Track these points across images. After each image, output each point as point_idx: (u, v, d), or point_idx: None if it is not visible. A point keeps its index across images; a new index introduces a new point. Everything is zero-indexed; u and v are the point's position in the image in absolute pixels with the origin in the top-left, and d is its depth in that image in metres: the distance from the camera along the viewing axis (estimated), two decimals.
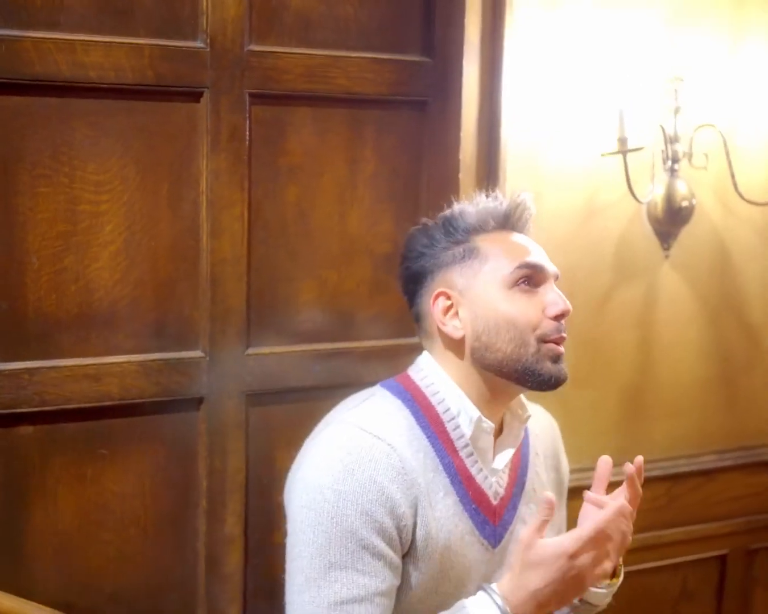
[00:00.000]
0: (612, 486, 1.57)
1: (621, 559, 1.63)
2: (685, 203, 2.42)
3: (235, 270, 1.87)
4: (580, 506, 1.56)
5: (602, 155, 2.27)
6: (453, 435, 1.54)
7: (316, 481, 1.45)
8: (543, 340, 1.51)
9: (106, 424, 1.83)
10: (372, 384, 1.72)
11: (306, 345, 1.97)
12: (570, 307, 1.53)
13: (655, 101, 2.37)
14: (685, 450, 2.64)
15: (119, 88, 1.73)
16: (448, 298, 1.55)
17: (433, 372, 1.59)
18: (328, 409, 1.70)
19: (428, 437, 1.53)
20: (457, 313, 1.55)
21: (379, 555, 1.43)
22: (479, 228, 1.57)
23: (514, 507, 1.63)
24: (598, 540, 1.39)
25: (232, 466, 1.93)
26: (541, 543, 1.38)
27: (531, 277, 1.52)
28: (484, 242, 1.55)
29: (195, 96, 1.79)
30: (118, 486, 1.86)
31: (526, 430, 1.68)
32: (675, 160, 2.40)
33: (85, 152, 1.73)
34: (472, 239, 1.56)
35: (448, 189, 2.02)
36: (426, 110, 1.98)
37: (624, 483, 1.53)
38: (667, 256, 2.50)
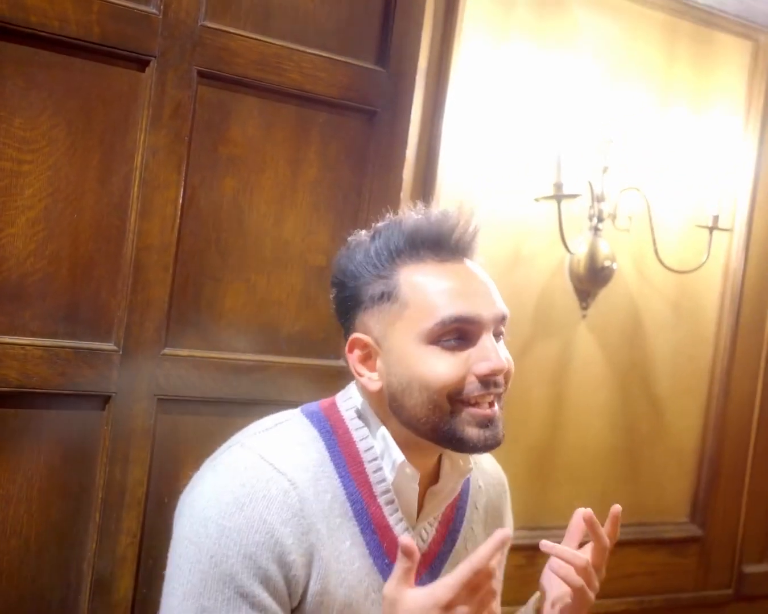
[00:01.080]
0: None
1: None
2: (607, 263, 2.42)
3: (162, 258, 1.71)
4: None
5: (536, 200, 2.25)
6: (372, 477, 1.34)
7: (202, 512, 1.25)
8: (462, 402, 1.27)
9: None
10: (292, 405, 1.58)
11: (227, 352, 1.82)
12: (505, 363, 1.28)
13: (586, 157, 2.39)
14: None
15: (60, 40, 1.58)
16: (365, 346, 1.33)
17: (361, 405, 1.38)
18: (241, 428, 1.55)
19: (341, 477, 1.33)
20: (375, 363, 1.33)
21: (259, 607, 1.22)
22: (406, 255, 1.30)
23: (439, 567, 1.42)
24: (475, 584, 1.18)
25: (132, 478, 1.74)
26: (411, 597, 1.18)
27: (459, 331, 1.27)
28: (407, 279, 1.29)
29: (141, 63, 1.66)
30: (3, 488, 1.64)
31: (467, 480, 1.49)
32: (600, 219, 2.40)
33: (13, 104, 1.57)
34: (395, 273, 1.30)
35: (389, 207, 1.92)
36: (374, 121, 1.90)
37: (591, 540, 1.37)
38: (584, 316, 2.48)
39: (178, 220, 1.72)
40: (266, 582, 1.23)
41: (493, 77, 2.22)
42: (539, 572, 1.41)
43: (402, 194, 1.98)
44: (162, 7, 1.66)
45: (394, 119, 1.93)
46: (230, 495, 1.24)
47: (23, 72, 1.57)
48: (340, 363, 1.94)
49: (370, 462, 1.34)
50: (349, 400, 1.39)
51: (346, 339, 1.37)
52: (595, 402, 2.55)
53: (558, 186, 2.21)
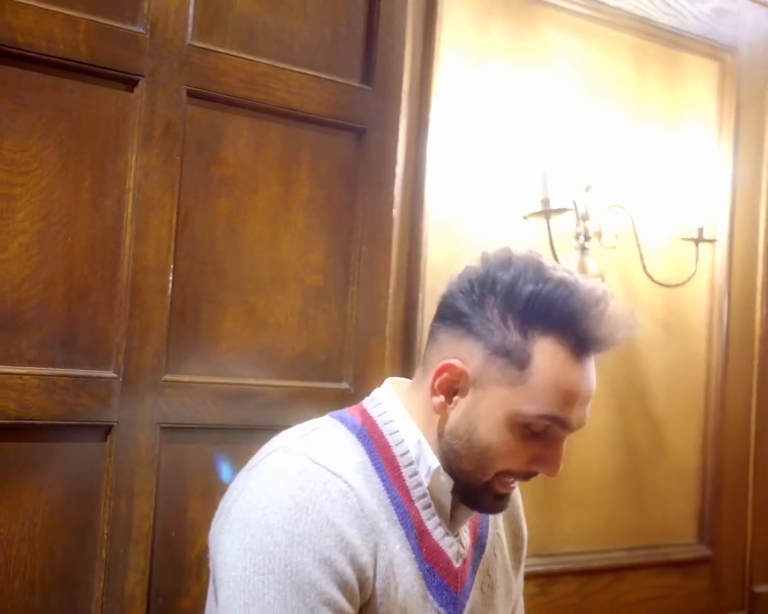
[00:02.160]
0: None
1: None
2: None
3: (159, 281, 1.68)
4: None
5: (524, 217, 2.25)
6: (409, 482, 1.30)
7: (262, 519, 1.17)
8: (500, 478, 1.27)
9: None
10: None
11: (228, 377, 1.77)
12: (558, 473, 1.28)
13: (568, 176, 2.40)
14: (596, 544, 2.53)
15: (48, 60, 1.57)
16: (459, 374, 1.26)
17: (394, 409, 1.34)
18: (247, 454, 1.50)
19: (382, 480, 1.28)
20: (455, 393, 1.27)
21: (341, 613, 1.16)
22: (553, 330, 1.21)
23: (473, 573, 1.39)
24: None
25: (138, 511, 1.67)
26: None
27: (549, 429, 1.24)
28: (540, 357, 1.21)
29: (130, 83, 1.65)
30: (5, 527, 1.57)
31: None
32: (586, 238, 2.40)
33: (2, 126, 1.55)
34: (533, 340, 1.21)
35: (382, 224, 1.92)
36: (363, 139, 1.90)
37: None
38: None
39: (173, 242, 1.69)
40: (344, 586, 1.17)
41: (472, 97, 2.25)
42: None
43: (395, 211, 1.97)
44: (149, 26, 1.65)
45: (382, 136, 1.93)
46: (291, 500, 1.17)
47: (12, 93, 1.55)
48: (343, 385, 1.90)
49: (406, 466, 1.30)
50: (379, 405, 1.35)
51: (437, 329, 1.30)
52: (596, 423, 2.52)
53: (546, 202, 2.21)
